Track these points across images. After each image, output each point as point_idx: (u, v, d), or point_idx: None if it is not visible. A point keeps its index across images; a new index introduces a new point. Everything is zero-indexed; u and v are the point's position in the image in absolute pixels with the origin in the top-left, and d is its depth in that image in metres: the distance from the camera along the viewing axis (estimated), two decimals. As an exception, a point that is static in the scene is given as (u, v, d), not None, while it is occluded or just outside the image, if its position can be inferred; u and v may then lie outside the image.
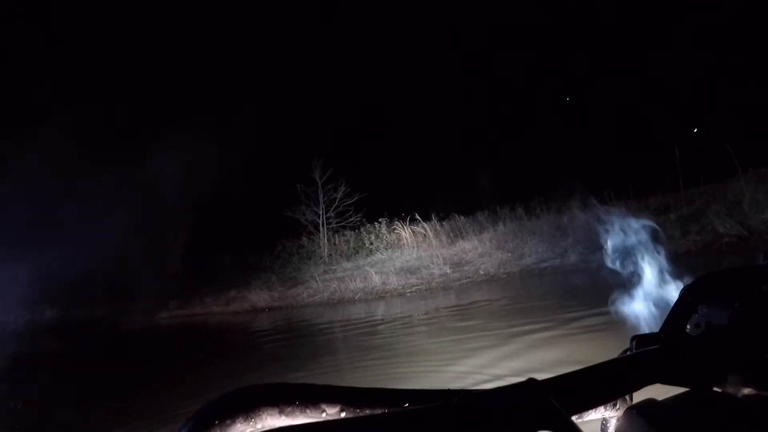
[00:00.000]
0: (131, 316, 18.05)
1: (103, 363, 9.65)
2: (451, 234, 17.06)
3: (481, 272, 13.54)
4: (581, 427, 0.51)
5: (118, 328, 16.31)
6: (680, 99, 15.68)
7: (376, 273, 15.10)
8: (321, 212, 20.29)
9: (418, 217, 17.82)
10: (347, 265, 17.80)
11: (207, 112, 23.12)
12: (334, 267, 18.08)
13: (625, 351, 0.75)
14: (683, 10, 17.52)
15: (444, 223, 17.54)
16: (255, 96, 23.47)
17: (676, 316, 0.78)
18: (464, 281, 13.31)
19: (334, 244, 20.14)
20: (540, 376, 0.56)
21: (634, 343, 0.74)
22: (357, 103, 22.04)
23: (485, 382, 4.43)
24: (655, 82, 16.88)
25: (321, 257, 19.62)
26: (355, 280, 15.11)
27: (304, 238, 20.66)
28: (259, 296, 16.70)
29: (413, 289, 13.69)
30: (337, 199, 20.29)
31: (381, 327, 9.10)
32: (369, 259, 17.60)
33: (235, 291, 17.49)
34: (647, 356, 0.69)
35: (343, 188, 20.15)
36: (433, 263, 14.96)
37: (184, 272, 18.86)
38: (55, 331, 17.77)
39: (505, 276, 12.91)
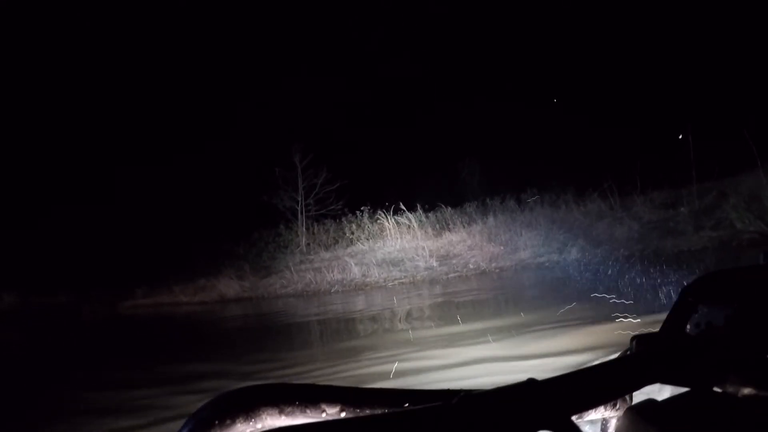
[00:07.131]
0: (93, 305, 16.69)
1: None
2: (438, 226, 15.96)
3: (471, 266, 12.47)
4: (581, 427, 0.51)
5: (70, 319, 14.81)
6: (694, 83, 14.54)
7: (356, 264, 13.95)
8: (300, 198, 19.04)
9: (402, 207, 16.60)
10: (325, 255, 16.61)
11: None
12: (312, 257, 16.87)
13: (626, 351, 0.73)
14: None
15: (430, 215, 16.38)
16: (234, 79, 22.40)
17: (676, 316, 0.77)
18: (452, 275, 12.22)
19: (313, 233, 18.88)
20: (539, 376, 0.54)
21: (634, 343, 0.71)
22: (343, 91, 21.00)
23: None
24: (666, 62, 15.82)
25: (298, 246, 18.38)
26: (332, 271, 13.95)
27: (281, 226, 19.37)
28: (229, 286, 15.46)
29: (396, 282, 12.57)
30: (318, 185, 19.05)
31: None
32: (349, 250, 16.41)
33: (204, 280, 16.20)
34: (647, 356, 0.68)
35: (324, 174, 18.91)
36: (418, 255, 13.85)
37: (155, 258, 17.62)
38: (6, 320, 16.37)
39: (497, 270, 11.84)
